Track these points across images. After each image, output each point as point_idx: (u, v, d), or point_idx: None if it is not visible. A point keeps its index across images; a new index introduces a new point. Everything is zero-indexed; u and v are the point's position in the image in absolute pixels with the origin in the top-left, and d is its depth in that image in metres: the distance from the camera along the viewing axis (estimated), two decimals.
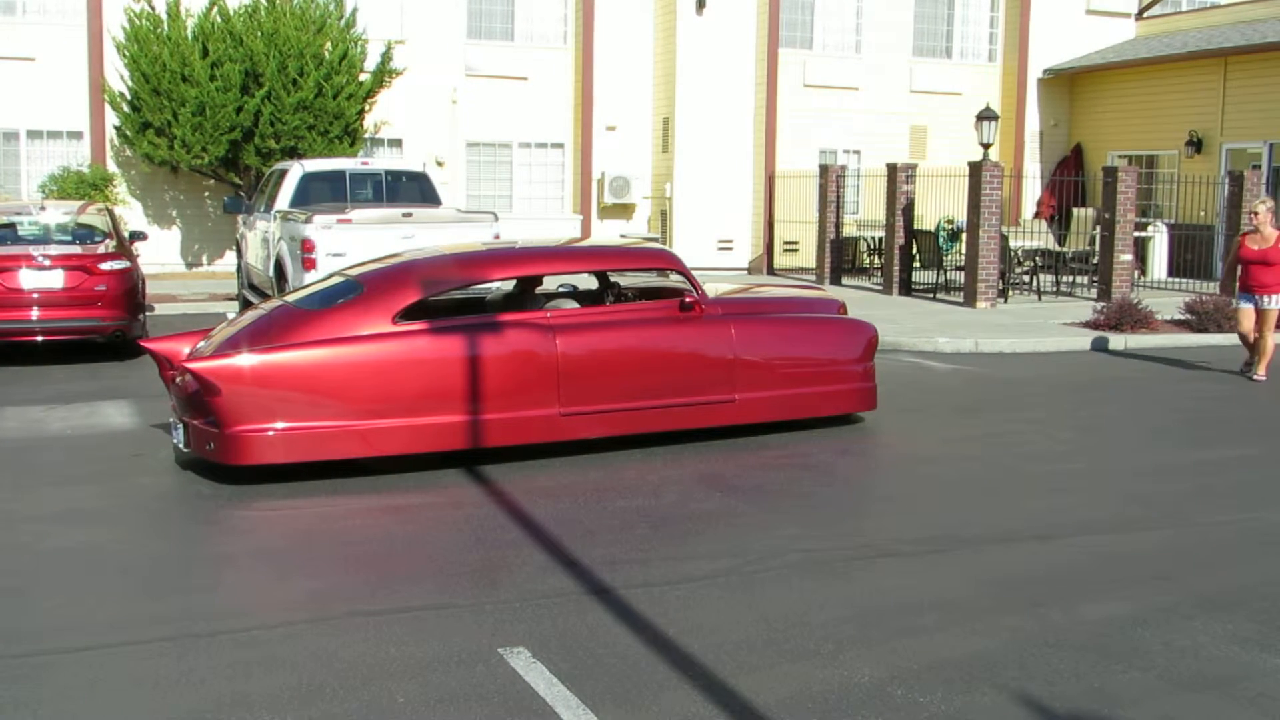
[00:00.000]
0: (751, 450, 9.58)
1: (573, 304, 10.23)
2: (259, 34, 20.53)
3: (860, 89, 26.32)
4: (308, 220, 13.39)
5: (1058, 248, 22.57)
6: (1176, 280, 22.73)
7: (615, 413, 9.50)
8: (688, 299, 10.01)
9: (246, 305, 15.58)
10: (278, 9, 20.78)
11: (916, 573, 6.64)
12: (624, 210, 25.85)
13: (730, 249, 25.51)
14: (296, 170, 15.60)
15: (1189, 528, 7.65)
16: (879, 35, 26.43)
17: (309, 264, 13.17)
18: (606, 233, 25.60)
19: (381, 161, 19.69)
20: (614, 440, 9.45)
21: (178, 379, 8.85)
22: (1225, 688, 5.13)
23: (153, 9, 20.67)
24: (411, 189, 15.93)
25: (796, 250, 25.51)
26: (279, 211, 14.76)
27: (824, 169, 23.52)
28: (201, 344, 9.18)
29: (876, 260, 23.97)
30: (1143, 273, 22.55)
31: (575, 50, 25.29)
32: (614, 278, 10.94)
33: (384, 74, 21.69)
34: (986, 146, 22.20)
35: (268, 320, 9.07)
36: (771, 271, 25.25)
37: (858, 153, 26.21)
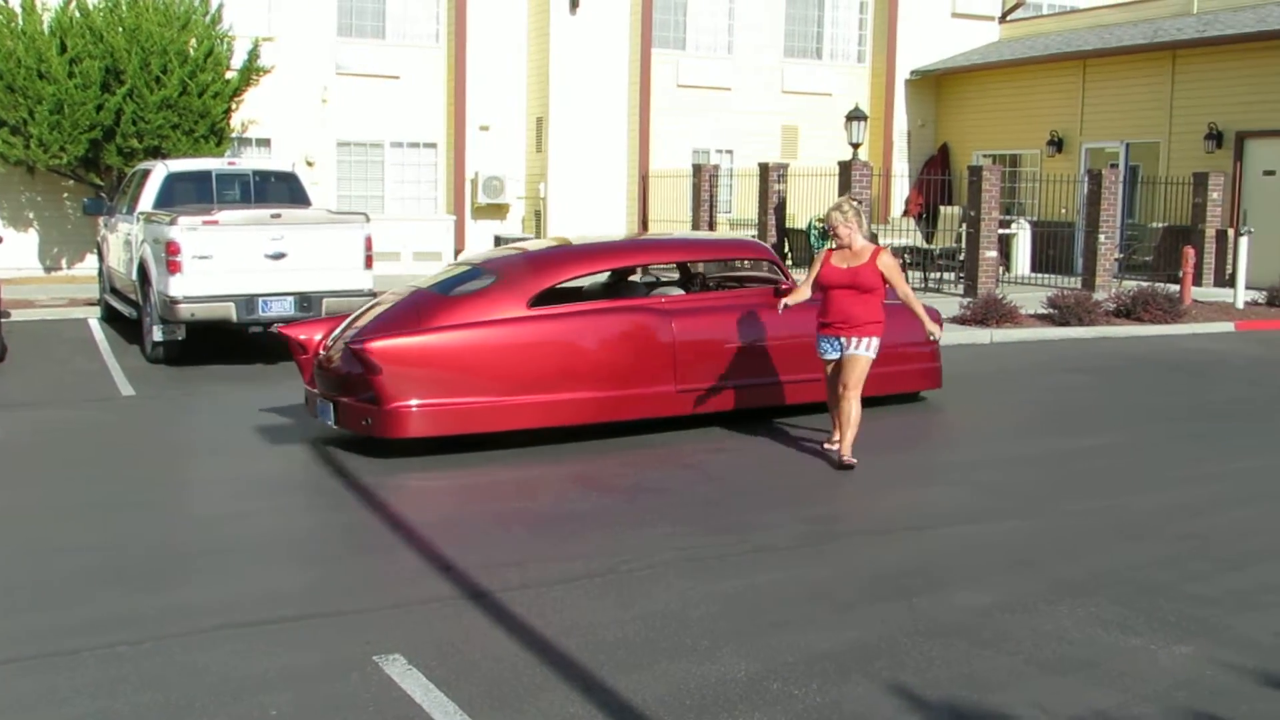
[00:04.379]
0: (626, 449, 9.60)
1: (678, 291, 11.17)
2: (120, 30, 20.00)
3: (733, 89, 26.55)
4: (172, 222, 13.08)
5: (926, 245, 23.01)
6: (1040, 276, 23.31)
7: (723, 390, 10.34)
8: (782, 285, 10.77)
9: (113, 308, 15.25)
10: (140, 4, 20.26)
11: (792, 567, 6.71)
12: (498, 210, 25.74)
13: None
14: (160, 170, 15.23)
15: (1054, 515, 7.85)
16: (751, 36, 26.69)
17: (174, 267, 12.87)
18: (479, 234, 25.43)
19: (249, 161, 19.32)
20: (497, 437, 9.43)
21: (323, 361, 9.69)
22: (1089, 669, 5.27)
23: (6, 3, 20.03)
24: (280, 189, 15.64)
25: None
26: (142, 213, 14.39)
27: (697, 169, 23.70)
28: (340, 328, 9.97)
29: None
30: (1007, 269, 23.07)
31: (448, 49, 25.10)
32: (699, 267, 11.96)
33: (251, 72, 21.28)
34: (856, 146, 22.54)
35: (413, 305, 9.87)
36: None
37: (730, 152, 26.44)
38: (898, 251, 22.00)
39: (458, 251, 25.11)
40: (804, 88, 27.29)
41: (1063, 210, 24.02)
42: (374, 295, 13.84)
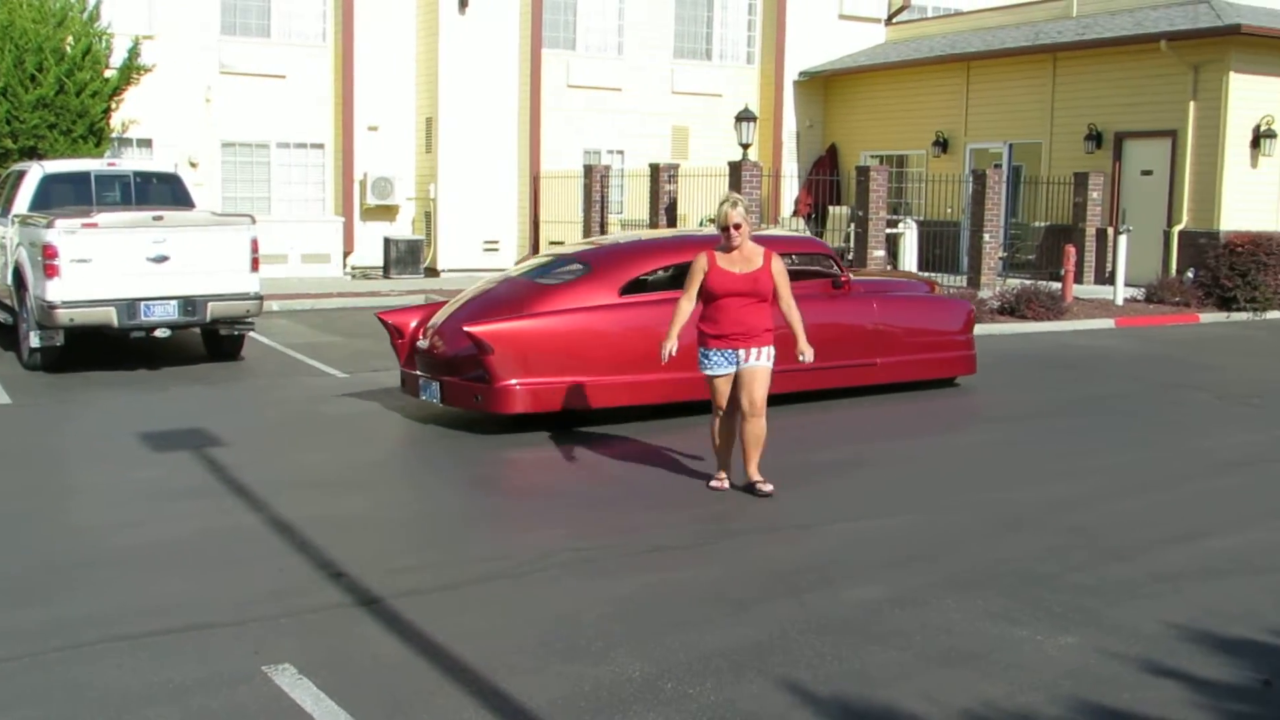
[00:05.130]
0: (517, 449, 9.56)
1: None
2: None
3: (623, 89, 26.59)
4: (49, 224, 12.73)
5: None
6: (927, 274, 23.65)
7: (789, 373, 10.62)
8: (841, 278, 11.88)
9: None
10: (13, 1, 19.70)
11: (686, 566, 6.72)
12: (387, 212, 25.48)
13: (496, 250, 25.42)
14: (36, 171, 14.82)
15: (942, 510, 7.97)
16: (641, 36, 26.75)
17: (51, 271, 12.54)
18: (368, 236, 25.15)
19: (130, 162, 18.88)
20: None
21: (427, 344, 10.57)
22: (977, 661, 5.35)
23: None
24: (163, 191, 15.31)
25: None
26: (17, 216, 14.00)
27: (588, 169, 23.71)
28: (439, 315, 10.83)
29: None
30: (895, 267, 23.40)
31: (335, 48, 24.80)
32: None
33: (132, 70, 20.77)
34: (746, 146, 22.71)
35: (513, 292, 10.79)
36: None
37: (621, 153, 26.47)
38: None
39: (347, 254, 24.83)
40: (694, 88, 27.43)
41: (948, 210, 24.43)
42: (260, 299, 13.68)
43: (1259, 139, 21.55)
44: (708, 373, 8.25)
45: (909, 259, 23.89)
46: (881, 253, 20.70)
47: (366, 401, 11.74)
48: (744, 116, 22.95)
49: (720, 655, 5.39)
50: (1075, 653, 5.46)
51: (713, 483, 8.37)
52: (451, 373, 10.32)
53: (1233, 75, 21.24)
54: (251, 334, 14.47)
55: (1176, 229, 21.99)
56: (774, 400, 10.73)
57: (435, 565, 6.67)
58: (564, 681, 5.12)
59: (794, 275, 12.20)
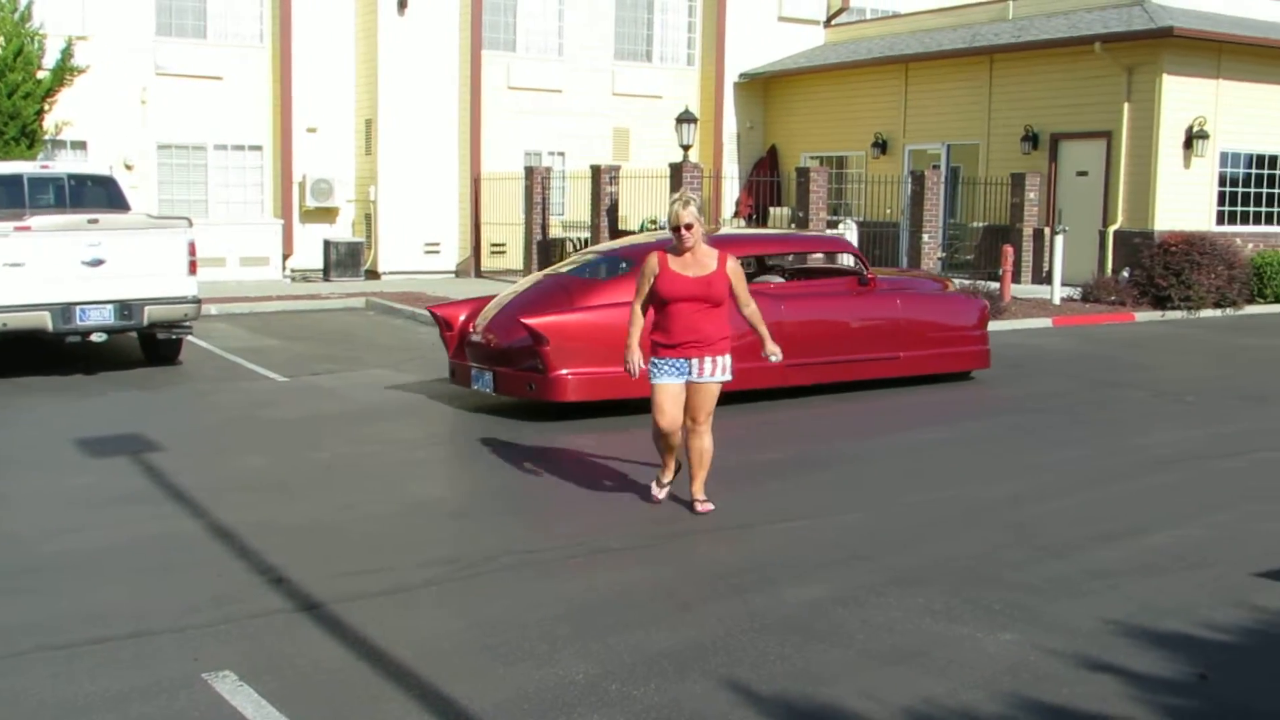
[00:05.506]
0: (466, 451, 9.53)
1: (779, 279, 12.79)
2: None
3: (564, 91, 26.55)
4: None
5: None
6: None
7: (821, 365, 11.89)
8: (866, 275, 12.60)
9: None
10: None
11: (632, 567, 6.73)
12: (327, 214, 25.28)
13: (437, 252, 25.31)
14: None
15: (884, 509, 8.03)
16: (581, 38, 26.74)
17: None
18: (308, 238, 24.96)
19: (64, 165, 18.62)
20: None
21: (479, 337, 11.22)
22: (918, 659, 5.40)
23: None
24: (98, 194, 15.10)
25: (504, 252, 25.55)
26: None
27: (529, 171, 23.66)
28: (489, 309, 11.49)
29: None
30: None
31: (273, 49, 24.58)
32: (788, 259, 13.82)
33: (65, 71, 20.46)
34: (686, 148, 22.77)
35: (561, 287, 11.43)
36: (480, 274, 25.18)
37: (563, 154, 26.44)
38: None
39: (286, 257, 24.62)
40: (635, 90, 27.45)
41: (887, 211, 24.61)
42: (198, 302, 13.53)
43: (1192, 140, 21.87)
44: (654, 381, 7.70)
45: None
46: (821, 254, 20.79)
47: (307, 405, 11.66)
48: (685, 118, 23.00)
49: (665, 656, 5.40)
50: (1015, 649, 5.52)
51: (655, 491, 8.06)
52: (505, 363, 10.99)
53: (1166, 77, 21.56)
54: (189, 338, 14.31)
55: (1112, 229, 22.29)
56: (799, 393, 12.01)
57: (379, 570, 6.63)
58: (508, 684, 5.11)
59: (823, 273, 13.68)
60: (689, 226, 7.57)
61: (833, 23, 29.94)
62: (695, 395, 7.70)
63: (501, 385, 11.00)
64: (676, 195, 7.73)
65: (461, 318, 11.67)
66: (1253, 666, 5.39)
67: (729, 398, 11.03)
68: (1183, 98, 21.80)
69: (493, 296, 12.17)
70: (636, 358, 7.73)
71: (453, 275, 25.28)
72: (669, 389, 7.67)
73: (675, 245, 7.68)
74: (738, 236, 14.02)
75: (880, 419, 11.53)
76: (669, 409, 7.69)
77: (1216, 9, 23.60)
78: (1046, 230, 22.50)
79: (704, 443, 7.79)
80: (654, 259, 7.72)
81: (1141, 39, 21.44)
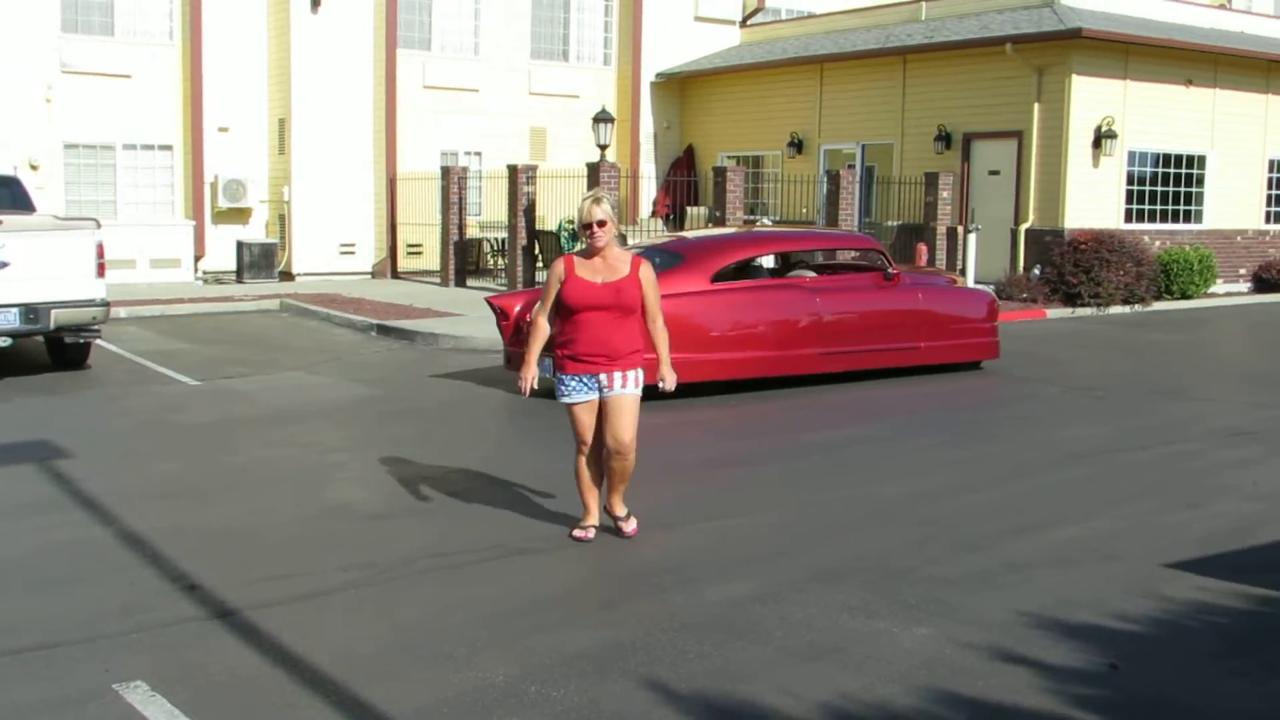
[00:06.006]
0: (384, 454, 9.45)
1: (809, 273, 13.54)
2: None
3: (480, 90, 26.42)
4: None
5: None
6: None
7: (851, 354, 12.74)
8: (890, 270, 13.49)
9: None
10: None
11: (547, 569, 6.71)
12: (240, 215, 24.94)
13: (352, 253, 25.08)
14: None
15: (801, 507, 8.08)
16: (497, 37, 26.62)
17: None
18: (220, 239, 24.61)
19: None
20: None
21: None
22: (836, 655, 5.44)
23: None
24: (1, 194, 14.79)
25: (421, 253, 25.39)
26: None
27: (446, 171, 23.51)
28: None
29: (501, 261, 24.14)
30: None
31: (183, 47, 24.19)
32: (817, 256, 14.87)
33: None
34: (604, 148, 22.77)
35: None
36: (396, 276, 24.99)
37: (479, 154, 26.31)
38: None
39: (198, 259, 24.23)
40: (551, 90, 27.39)
41: (804, 210, 24.78)
42: (106, 305, 13.29)
43: (1100, 139, 22.25)
44: (564, 400, 7.11)
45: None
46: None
47: (220, 409, 11.50)
48: (601, 118, 23.00)
49: (584, 657, 5.39)
50: (930, 643, 5.58)
51: (575, 532, 7.24)
52: None
53: (1075, 77, 21.92)
54: (98, 342, 14.06)
55: (1024, 227, 22.62)
56: (821, 380, 12.77)
57: (295, 575, 6.55)
58: (427, 688, 5.07)
59: (851, 269, 14.52)
60: (601, 224, 6.94)
61: (748, 23, 30.10)
62: (612, 412, 7.03)
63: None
64: (590, 194, 7.14)
65: (517, 308, 12.29)
66: (1161, 656, 5.49)
67: (734, 386, 11.97)
68: (1091, 98, 22.18)
69: (533, 291, 12.98)
70: (533, 374, 7.17)
71: (369, 276, 25.06)
72: (580, 408, 7.10)
73: (585, 246, 7.06)
74: (772, 234, 15.25)
75: (786, 417, 11.59)
76: (584, 426, 7.13)
77: (1124, 11, 24.05)
78: (960, 229, 22.77)
79: (626, 464, 7.15)
80: (560, 264, 7.12)
81: (1051, 40, 21.78)
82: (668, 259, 12.27)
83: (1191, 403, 12.45)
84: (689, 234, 13.87)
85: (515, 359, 12.19)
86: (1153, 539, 7.34)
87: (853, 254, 15.60)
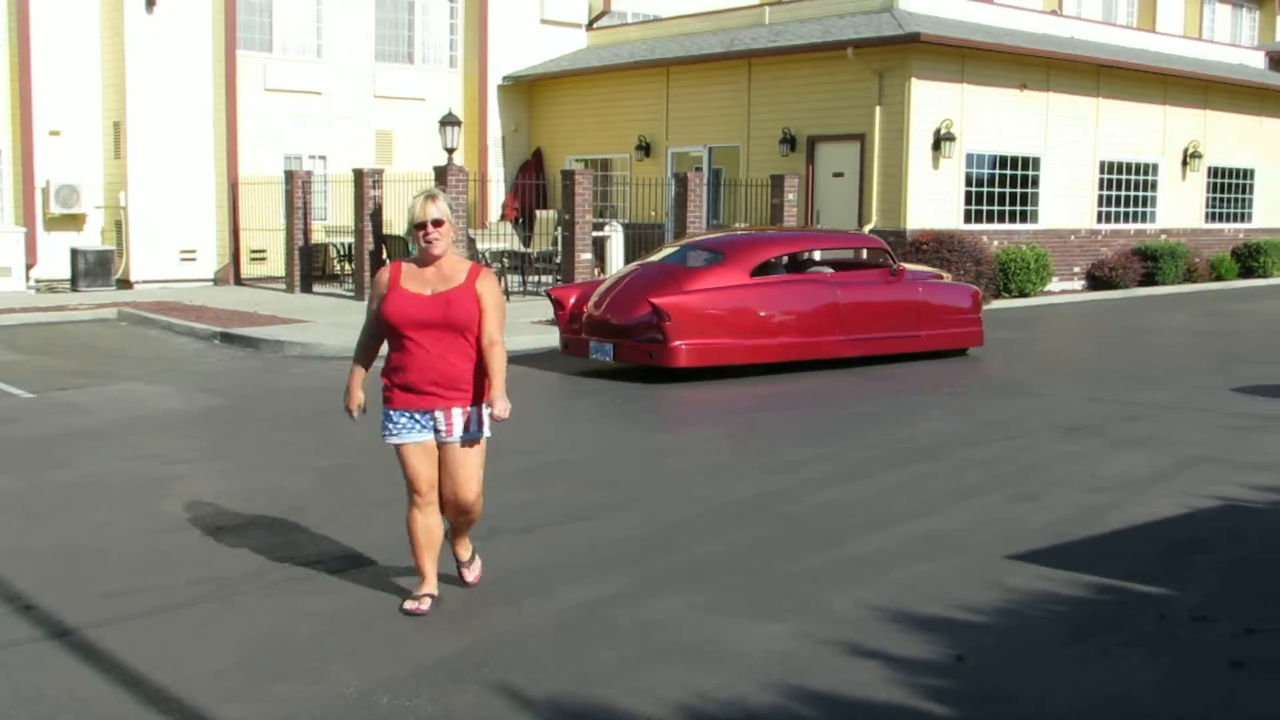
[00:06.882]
0: (227, 464, 9.22)
1: (827, 269, 15.31)
2: None
3: (324, 93, 26.00)
4: None
5: (523, 249, 23.32)
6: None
7: (864, 341, 14.42)
8: (896, 267, 15.20)
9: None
10: None
11: (399, 578, 6.60)
12: (74, 221, 24.12)
13: (194, 260, 24.45)
14: None
15: (656, 508, 8.11)
16: (341, 39, 26.22)
17: None
18: (53, 246, 23.78)
19: None
20: None
21: (596, 314, 13.67)
22: (691, 654, 5.46)
23: None
24: None
25: (265, 259, 24.87)
26: None
27: (290, 175, 23.07)
28: (598, 293, 13.99)
29: (348, 267, 23.79)
30: (602, 270, 23.67)
31: (10, 48, 23.29)
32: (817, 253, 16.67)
33: None
34: (451, 151, 22.58)
35: (666, 273, 13.87)
36: (239, 282, 24.44)
37: (324, 158, 25.88)
38: (496, 255, 22.19)
39: (30, 267, 23.37)
40: (397, 93, 27.08)
41: (652, 212, 24.90)
42: None
43: (940, 142, 22.81)
44: (389, 441, 5.92)
45: (616, 260, 24.20)
46: (589, 255, 20.93)
47: (55, 421, 11.10)
48: (448, 121, 22.80)
49: (437, 666, 5.33)
50: (784, 640, 5.64)
51: (408, 604, 6.03)
52: (625, 336, 13.36)
53: (914, 81, 22.43)
54: None
55: (868, 228, 23.00)
56: (823, 365, 14.03)
57: (137, 591, 6.35)
58: (277, 703, 4.95)
59: (860, 265, 16.07)
60: (437, 223, 5.75)
61: (595, 26, 30.16)
62: (452, 464, 5.89)
63: (621, 354, 13.42)
64: (423, 191, 5.92)
65: (572, 300, 14.15)
66: (1005, 645, 5.63)
67: (748, 369, 13.29)
68: (930, 101, 22.73)
69: (600, 281, 15.10)
70: (358, 401, 6.06)
71: (211, 283, 24.46)
72: (411, 450, 5.89)
73: (418, 251, 5.86)
74: (799, 233, 17.30)
75: (628, 420, 11.63)
76: (425, 471, 5.93)
77: (961, 16, 24.71)
78: (743, 227, 23.07)
79: (468, 520, 6.17)
80: (385, 272, 5.93)
81: (891, 45, 22.25)
82: (709, 256, 14.03)
83: (1030, 398, 12.82)
84: (725, 233, 16.28)
85: (575, 345, 14.01)
86: (997, 531, 7.53)
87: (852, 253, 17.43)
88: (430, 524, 6.05)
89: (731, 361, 13.36)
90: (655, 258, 14.70)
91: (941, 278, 16.26)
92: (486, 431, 5.95)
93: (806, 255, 15.92)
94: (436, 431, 5.86)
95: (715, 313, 13.25)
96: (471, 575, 6.42)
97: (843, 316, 14.23)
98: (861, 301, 14.53)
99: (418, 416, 5.85)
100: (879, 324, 14.62)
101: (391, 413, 5.88)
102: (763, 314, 13.59)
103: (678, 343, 12.99)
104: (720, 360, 13.30)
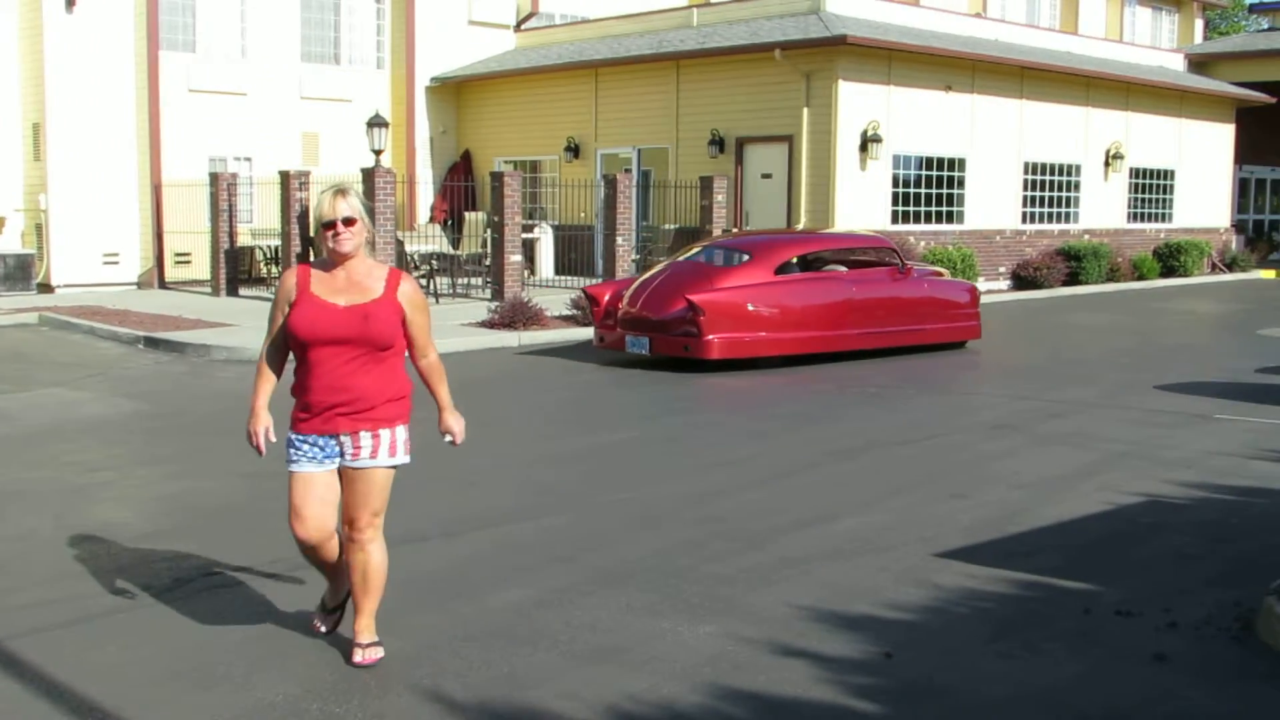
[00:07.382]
0: (157, 465, 9.09)
1: (841, 268, 16.13)
2: None
3: (249, 95, 25.70)
4: None
5: (452, 251, 23.22)
6: (562, 278, 24.08)
7: (876, 334, 15.41)
8: (904, 265, 16.14)
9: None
10: None
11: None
12: None
13: (117, 263, 24.08)
14: None
15: (584, 510, 8.11)
16: (266, 40, 25.94)
17: None
18: None
19: None
20: None
21: (634, 310, 14.49)
22: (622, 656, 5.46)
23: None
24: None
25: (190, 262, 24.56)
26: None
27: (214, 177, 22.80)
28: (631, 290, 14.86)
29: (275, 269, 23.56)
30: (532, 272, 23.68)
31: None
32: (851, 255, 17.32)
33: None
34: (379, 153, 22.44)
35: (697, 271, 14.79)
36: (164, 285, 24.12)
37: (250, 160, 25.59)
38: (425, 258, 22.06)
39: None
40: (324, 94, 26.85)
41: (582, 214, 24.91)
42: None
43: (867, 143, 23.00)
44: (289, 468, 5.29)
45: (546, 263, 24.19)
46: (519, 257, 20.88)
47: None
48: (375, 122, 22.66)
49: (367, 671, 5.29)
50: (713, 641, 5.66)
51: (318, 624, 5.73)
52: (660, 331, 14.23)
53: (841, 83, 22.60)
54: None
55: (797, 229, 23.17)
56: (822, 359, 14.74)
57: (59, 600, 6.24)
58: (203, 712, 4.89)
59: (870, 263, 16.64)
60: (348, 222, 5.07)
61: (523, 27, 30.08)
62: (352, 488, 5.26)
63: (657, 347, 14.25)
64: (332, 186, 5.20)
65: (607, 296, 14.98)
66: (932, 642, 5.69)
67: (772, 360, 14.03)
68: (857, 103, 22.91)
69: (635, 278, 15.88)
70: (264, 425, 5.30)
71: (135, 287, 24.11)
72: (310, 481, 5.23)
73: (326, 254, 5.19)
74: (816, 234, 18.56)
75: (557, 423, 11.62)
76: (310, 511, 5.26)
77: (887, 19, 24.93)
78: (735, 231, 23.22)
79: (372, 558, 5.34)
80: (291, 275, 5.26)
81: (817, 46, 22.40)
82: (735, 255, 15.02)
83: (955, 396, 12.96)
84: (749, 233, 17.50)
85: (610, 339, 14.83)
86: (923, 529, 7.61)
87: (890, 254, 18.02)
88: (322, 541, 5.40)
89: (760, 354, 14.31)
90: (685, 256, 15.59)
91: (941, 275, 17.18)
92: (406, 458, 5.36)
93: (814, 255, 16.65)
94: (342, 455, 5.24)
95: (745, 308, 14.19)
96: (372, 657, 5.33)
97: (860, 312, 15.23)
98: (875, 297, 15.51)
99: (321, 442, 5.22)
100: (892, 318, 15.64)
101: (295, 438, 5.24)
102: (788, 309, 14.52)
103: (711, 336, 13.89)
104: (750, 353, 14.22)
